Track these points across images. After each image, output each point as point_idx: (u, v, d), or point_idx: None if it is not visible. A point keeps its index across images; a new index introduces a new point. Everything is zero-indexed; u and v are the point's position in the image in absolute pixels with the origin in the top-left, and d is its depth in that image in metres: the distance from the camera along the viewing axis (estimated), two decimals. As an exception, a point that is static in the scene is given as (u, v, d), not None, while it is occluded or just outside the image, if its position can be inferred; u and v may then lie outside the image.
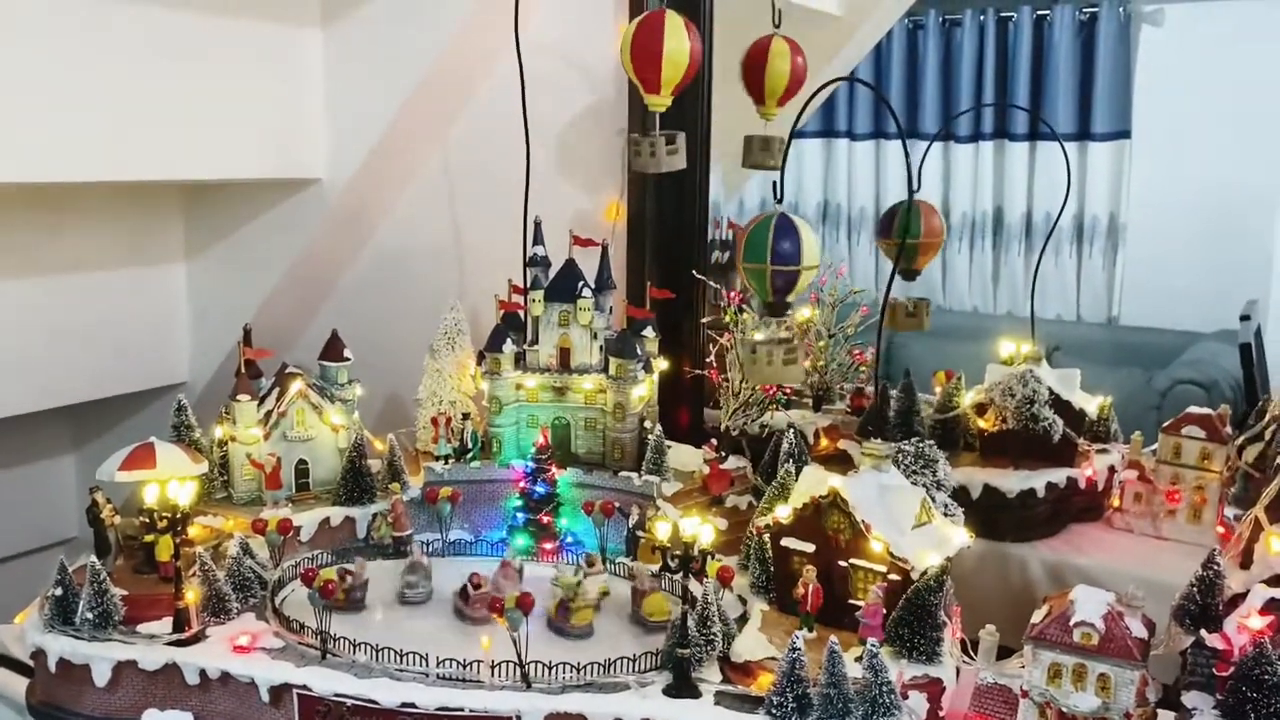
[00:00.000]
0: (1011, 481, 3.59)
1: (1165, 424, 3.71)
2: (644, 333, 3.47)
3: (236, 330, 3.46)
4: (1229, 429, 3.65)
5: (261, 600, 2.78)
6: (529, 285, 3.41)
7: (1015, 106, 4.41)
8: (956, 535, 2.64)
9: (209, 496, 3.25)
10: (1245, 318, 6.65)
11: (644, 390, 3.33)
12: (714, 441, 3.31)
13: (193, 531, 2.92)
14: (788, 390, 3.41)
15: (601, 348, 3.35)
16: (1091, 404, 3.85)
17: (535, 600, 2.45)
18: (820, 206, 8.85)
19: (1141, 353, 5.24)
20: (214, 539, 2.98)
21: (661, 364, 3.52)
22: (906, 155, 3.09)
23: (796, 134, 3.11)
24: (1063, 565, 3.56)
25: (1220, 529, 3.53)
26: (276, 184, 4.45)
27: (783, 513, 2.62)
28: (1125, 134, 4.18)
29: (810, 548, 2.61)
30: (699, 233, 3.76)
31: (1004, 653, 2.73)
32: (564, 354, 3.35)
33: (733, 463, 3.35)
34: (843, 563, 2.58)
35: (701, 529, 2.58)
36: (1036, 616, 2.33)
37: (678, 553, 2.50)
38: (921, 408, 3.81)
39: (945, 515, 2.76)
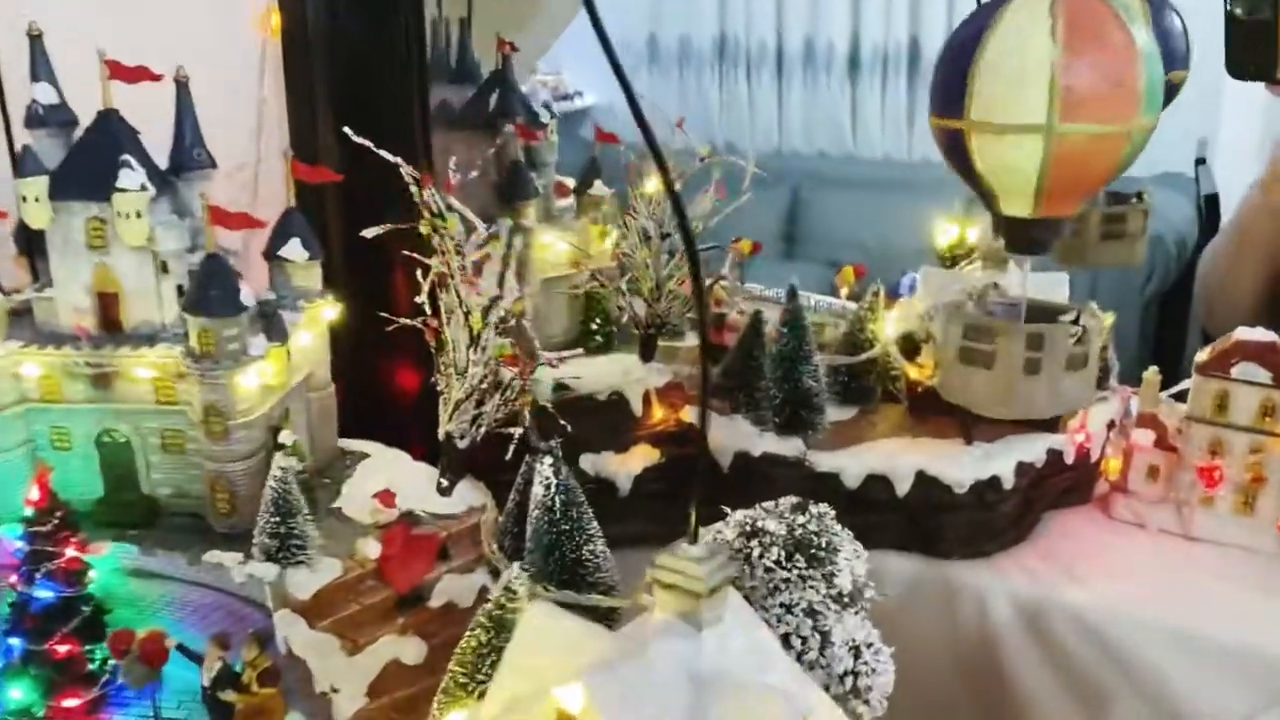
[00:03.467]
0: (961, 466, 2.14)
1: (1202, 359, 2.26)
2: (288, 252, 1.81)
3: None
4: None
5: None
6: (19, 168, 1.68)
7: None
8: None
9: None
10: (1201, 161, 5.42)
11: (268, 376, 1.69)
12: (390, 490, 1.70)
13: None
14: (551, 362, 1.80)
15: (180, 289, 1.69)
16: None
17: None
18: (716, 41, 7.23)
19: None
20: None
21: (327, 312, 1.86)
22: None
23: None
24: (1043, 606, 2.14)
25: (1288, 528, 2.16)
26: None
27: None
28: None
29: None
30: (414, 62, 2.05)
31: None
32: (106, 305, 1.68)
33: (461, 500, 1.77)
34: None
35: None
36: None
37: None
38: (812, 348, 2.25)
39: (861, 700, 1.25)
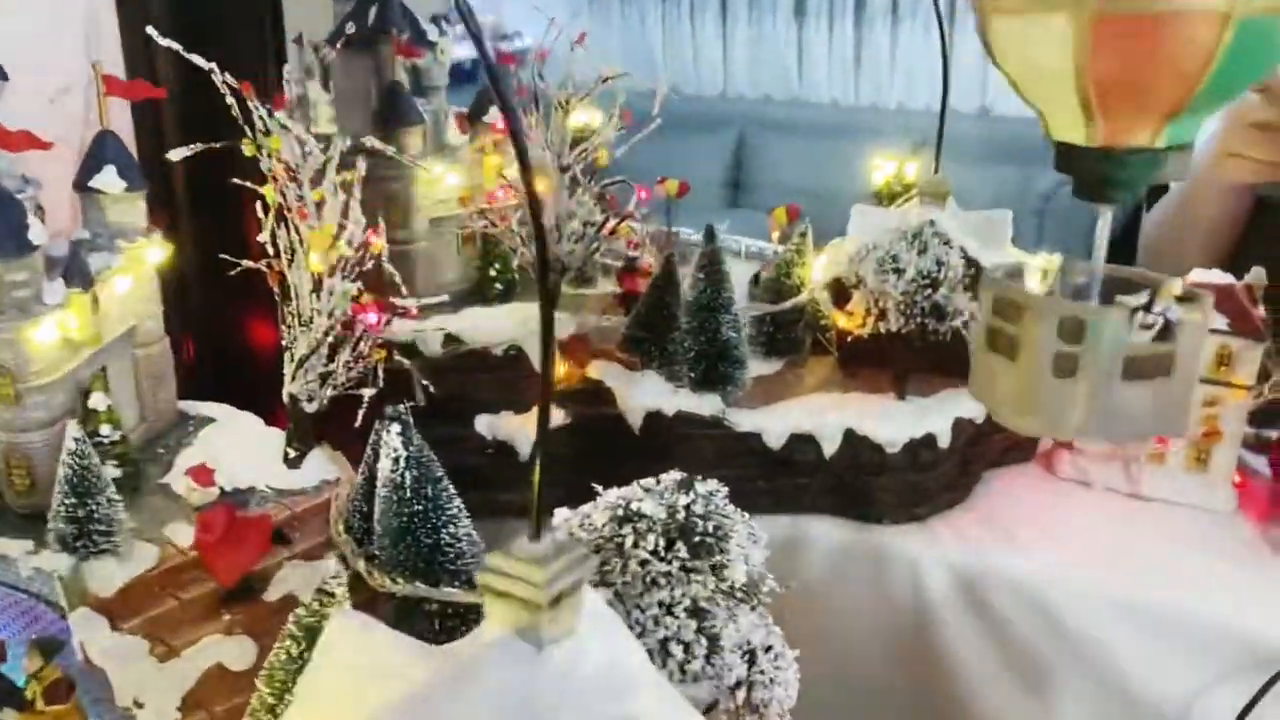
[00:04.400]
0: (893, 424, 1.94)
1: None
2: (101, 182, 1.52)
3: None
4: (1263, 312, 2.03)
5: None
6: None
7: None
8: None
9: None
10: None
11: (70, 329, 1.41)
12: (206, 466, 1.44)
13: None
14: (412, 311, 1.54)
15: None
16: (1032, 272, 2.13)
17: None
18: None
19: (1018, 148, 4.60)
20: None
21: (153, 253, 1.59)
22: None
23: None
24: (981, 574, 1.96)
25: (1238, 480, 1.99)
26: None
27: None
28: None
29: None
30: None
31: None
32: None
33: (312, 473, 1.52)
34: None
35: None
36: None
37: None
38: (732, 296, 2.02)
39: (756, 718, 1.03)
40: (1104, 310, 1.04)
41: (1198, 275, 2.03)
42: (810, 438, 1.99)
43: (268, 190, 1.39)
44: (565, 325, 2.07)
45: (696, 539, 1.05)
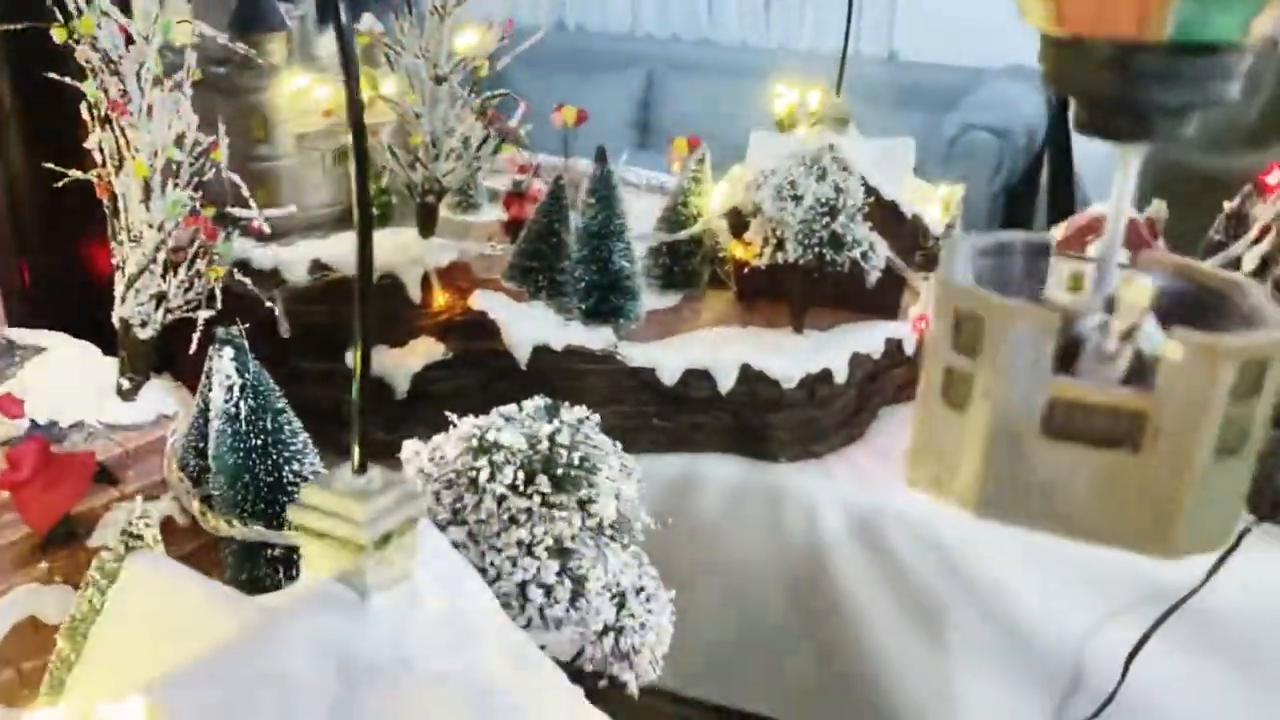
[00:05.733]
0: (790, 359, 1.87)
1: (1058, 235, 2.02)
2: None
3: None
4: (1161, 244, 2.01)
5: None
6: None
7: None
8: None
9: None
10: None
11: None
12: (12, 395, 1.28)
13: None
14: (255, 225, 1.39)
15: None
16: (931, 203, 2.07)
17: None
18: None
19: (925, 93, 4.63)
20: None
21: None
22: None
23: None
24: (876, 512, 1.92)
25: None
26: None
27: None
28: None
29: None
30: None
31: None
32: None
33: (148, 406, 1.37)
34: None
35: None
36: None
37: None
38: (624, 223, 1.91)
39: (626, 665, 0.94)
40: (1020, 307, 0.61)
41: (1095, 210, 2.00)
42: (706, 373, 1.91)
43: (87, 86, 1.22)
44: (447, 252, 1.94)
45: (560, 471, 0.94)
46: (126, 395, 1.34)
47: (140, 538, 0.90)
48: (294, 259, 1.87)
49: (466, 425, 0.98)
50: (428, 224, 1.92)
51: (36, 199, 1.57)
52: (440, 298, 1.93)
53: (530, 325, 1.91)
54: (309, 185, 1.95)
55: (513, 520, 0.93)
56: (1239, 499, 0.63)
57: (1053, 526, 0.65)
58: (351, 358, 1.84)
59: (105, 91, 1.21)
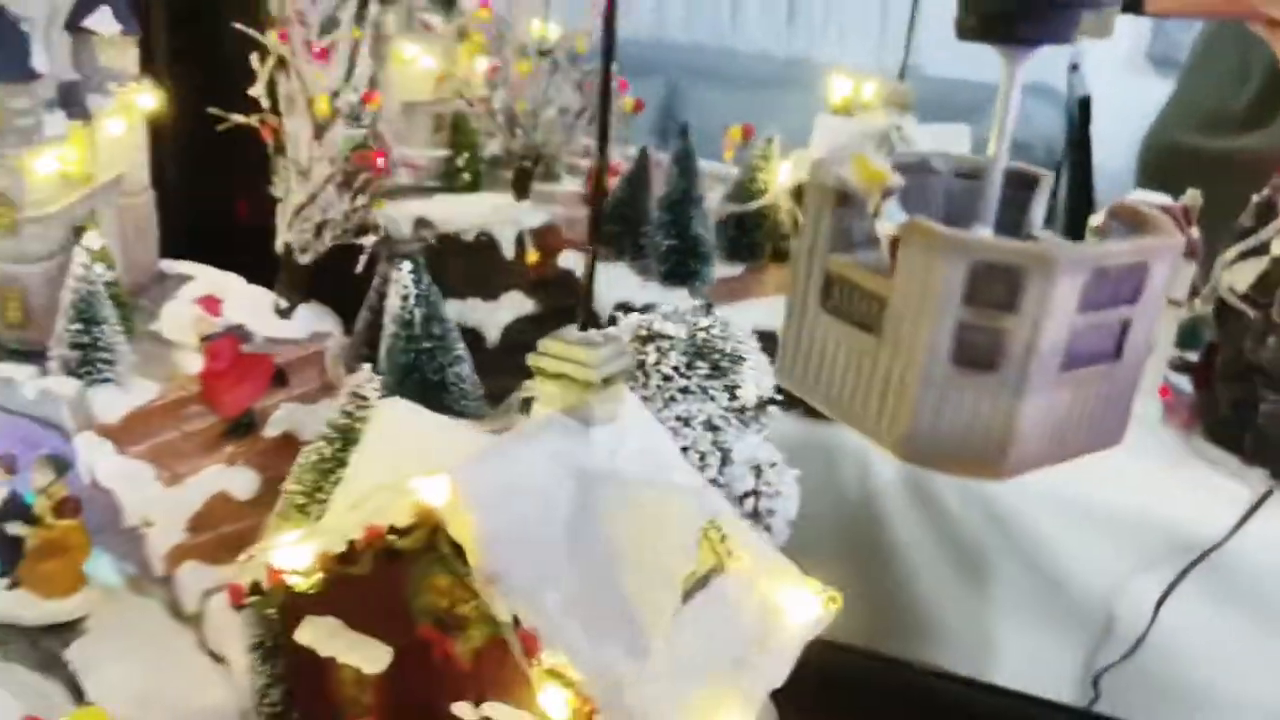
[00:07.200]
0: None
1: (1096, 221, 2.13)
2: (95, 22, 1.50)
3: None
4: (1196, 232, 2.15)
5: None
6: None
7: None
8: (795, 603, 0.98)
9: None
10: (1074, 67, 5.52)
11: (68, 163, 1.40)
12: (215, 296, 1.45)
13: None
14: (416, 163, 1.56)
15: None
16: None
17: None
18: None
19: (945, 107, 4.19)
20: None
21: (144, 99, 1.57)
22: None
23: None
24: (925, 471, 2.01)
25: (1163, 396, 2.12)
26: None
27: (294, 558, 0.88)
28: None
29: (377, 660, 0.90)
30: None
31: None
32: None
33: (303, 324, 1.54)
34: (463, 711, 0.88)
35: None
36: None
37: None
38: (703, 194, 2.08)
39: (762, 525, 1.10)
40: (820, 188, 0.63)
41: (1136, 197, 2.16)
42: (771, 334, 2.06)
43: (271, 36, 1.39)
44: (536, 214, 2.10)
45: (714, 359, 1.11)
46: (284, 314, 1.50)
47: (366, 398, 1.07)
48: (399, 216, 2.03)
49: (634, 318, 1.15)
50: (522, 188, 2.09)
51: (179, 140, 1.73)
52: (531, 256, 2.10)
53: (613, 284, 2.07)
54: (411, 150, 2.11)
55: (673, 398, 1.10)
56: (1002, 425, 0.58)
57: (821, 402, 0.66)
58: (449, 309, 2.01)
59: (289, 40, 1.38)
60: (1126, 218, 0.67)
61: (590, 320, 0.93)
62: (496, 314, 2.09)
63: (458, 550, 0.81)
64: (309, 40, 1.38)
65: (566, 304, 2.10)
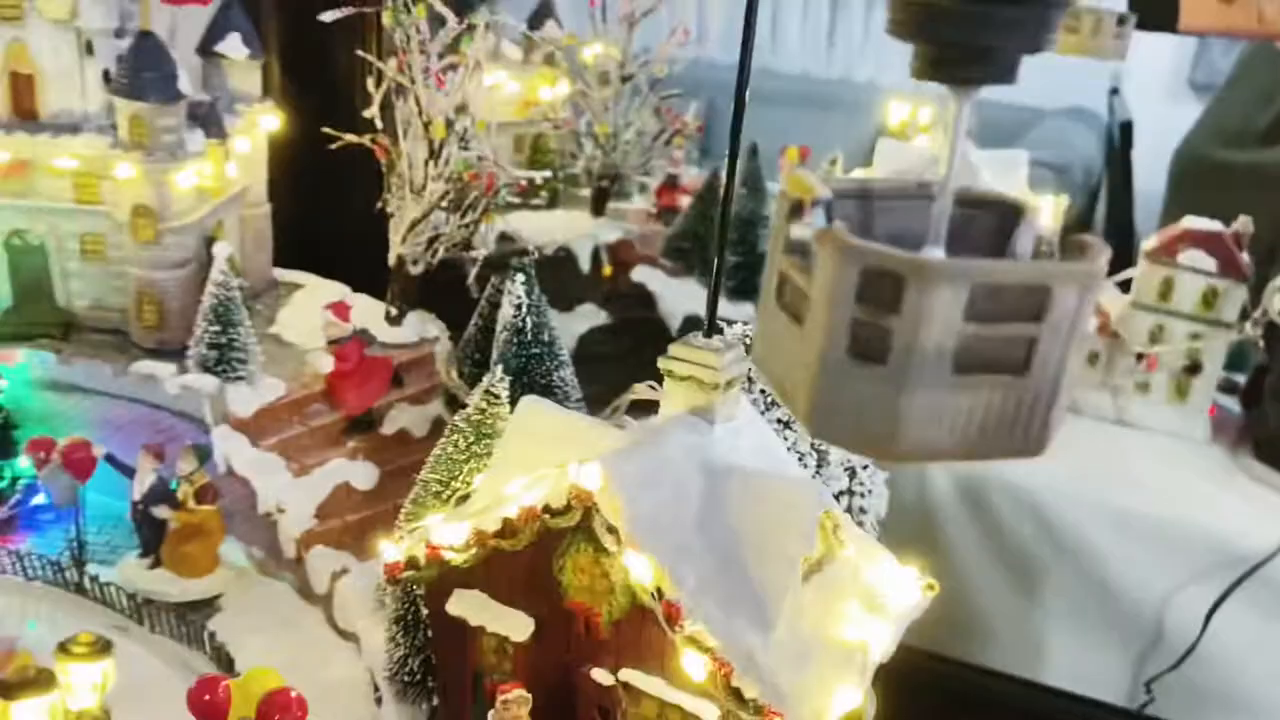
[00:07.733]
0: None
1: (1150, 246, 2.25)
2: (226, 47, 1.63)
3: None
4: (1245, 256, 2.21)
5: None
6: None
7: None
8: (897, 588, 1.08)
9: None
10: (1115, 91, 5.59)
11: (205, 177, 1.53)
12: (346, 302, 1.56)
13: None
14: (521, 184, 1.68)
15: (106, 75, 1.51)
16: (1045, 205, 2.33)
17: None
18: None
19: (986, 130, 4.30)
20: None
21: (267, 120, 1.70)
22: None
23: None
24: (981, 480, 2.15)
25: (1211, 415, 2.19)
26: None
27: (449, 536, 0.98)
28: None
29: (522, 630, 1.00)
30: None
31: None
32: (19, 89, 1.48)
33: (412, 330, 1.65)
34: (600, 676, 0.99)
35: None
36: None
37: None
38: (768, 213, 2.19)
39: (855, 522, 1.20)
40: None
41: (1190, 222, 2.23)
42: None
43: (389, 65, 1.51)
44: (613, 231, 2.22)
45: (811, 367, 1.21)
46: (394, 321, 1.62)
47: (498, 396, 1.18)
48: (482, 230, 2.15)
49: (739, 328, 1.25)
50: (599, 205, 2.21)
51: (291, 155, 1.85)
52: (606, 270, 2.21)
53: (683, 297, 2.18)
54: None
55: (773, 403, 1.20)
56: (888, 413, 0.63)
57: (772, 384, 0.74)
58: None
59: (408, 68, 1.50)
60: (1074, 248, 0.69)
61: (712, 328, 1.03)
62: (572, 324, 2.20)
63: (609, 529, 0.91)
64: (428, 67, 1.49)
65: (638, 315, 2.22)
